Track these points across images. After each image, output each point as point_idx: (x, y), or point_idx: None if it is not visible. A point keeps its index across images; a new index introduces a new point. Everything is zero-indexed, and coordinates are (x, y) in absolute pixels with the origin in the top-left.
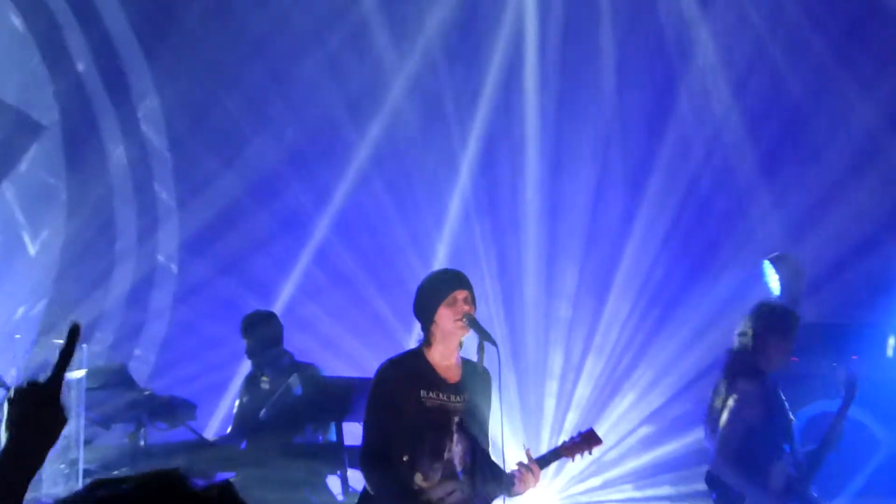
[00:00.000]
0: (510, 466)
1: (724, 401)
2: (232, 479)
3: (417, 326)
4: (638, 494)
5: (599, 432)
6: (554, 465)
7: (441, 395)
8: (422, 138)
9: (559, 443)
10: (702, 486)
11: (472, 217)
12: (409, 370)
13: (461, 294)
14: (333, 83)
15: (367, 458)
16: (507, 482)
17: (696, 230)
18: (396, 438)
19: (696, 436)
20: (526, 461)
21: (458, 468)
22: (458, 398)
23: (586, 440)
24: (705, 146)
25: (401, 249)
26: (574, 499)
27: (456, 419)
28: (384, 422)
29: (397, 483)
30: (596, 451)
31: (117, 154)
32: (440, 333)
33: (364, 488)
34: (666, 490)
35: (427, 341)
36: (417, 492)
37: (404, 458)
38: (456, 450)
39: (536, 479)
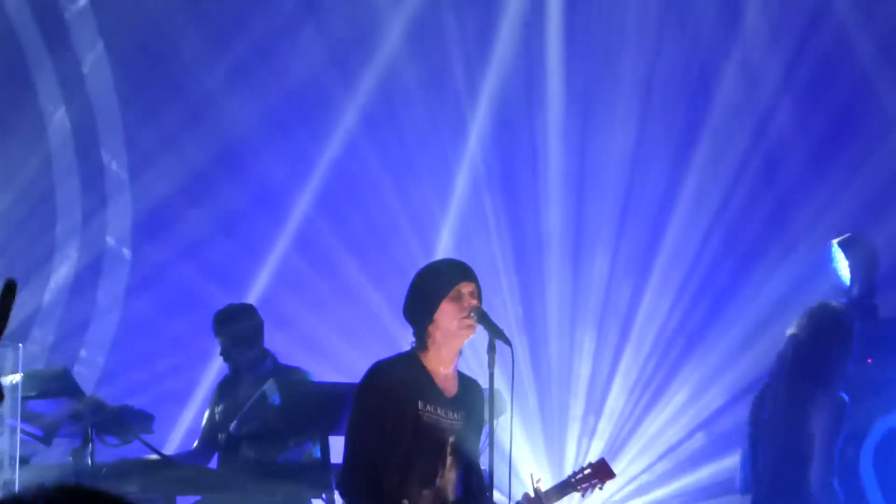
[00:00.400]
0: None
1: (789, 409)
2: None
3: (410, 343)
4: None
5: (631, 452)
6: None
7: (438, 411)
8: (422, 96)
9: (566, 475)
10: None
11: (482, 192)
12: (405, 376)
13: (467, 287)
14: (314, 28)
15: (351, 481)
16: None
17: (748, 214)
18: (387, 456)
19: (723, 464)
20: (532, 494)
21: (451, 499)
22: (455, 416)
23: (597, 472)
24: (757, 116)
25: (397, 231)
26: None
27: (451, 440)
28: (373, 438)
29: None
30: (608, 485)
31: (57, 117)
32: (440, 335)
33: None
34: None
35: (422, 345)
36: None
37: (394, 481)
38: (449, 476)
39: None
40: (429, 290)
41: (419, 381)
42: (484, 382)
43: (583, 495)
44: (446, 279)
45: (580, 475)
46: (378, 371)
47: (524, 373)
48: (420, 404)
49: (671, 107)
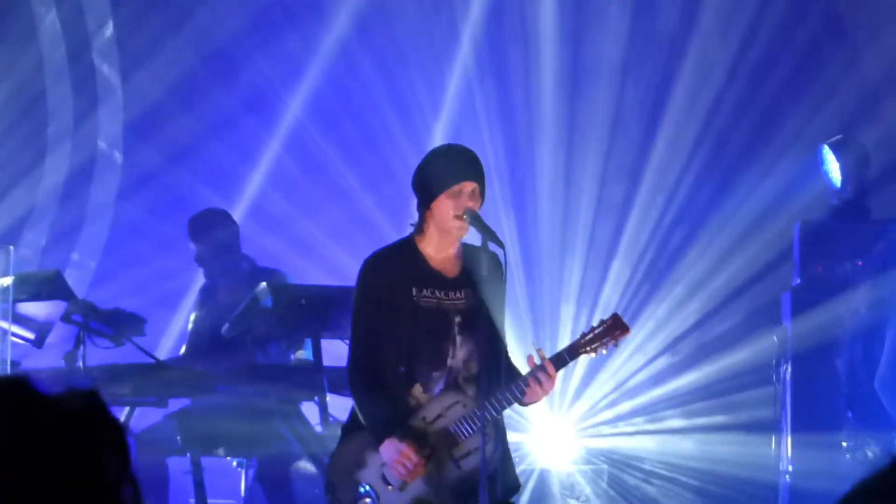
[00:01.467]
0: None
1: None
2: (187, 408)
3: (409, 225)
4: (652, 427)
5: (622, 355)
6: (570, 392)
7: (438, 293)
8: None
9: (578, 336)
10: (721, 418)
11: (475, 95)
12: (399, 264)
13: (469, 186)
14: None
15: (355, 371)
16: (515, 390)
17: (739, 119)
18: (388, 346)
19: (712, 367)
20: (538, 362)
21: (463, 376)
22: (458, 294)
23: (610, 329)
24: (745, 24)
25: (389, 134)
26: (592, 430)
27: (458, 319)
28: (373, 327)
29: (390, 401)
30: (623, 340)
31: (48, 19)
32: (435, 225)
33: (352, 410)
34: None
35: (419, 229)
36: (413, 409)
37: (400, 370)
38: (459, 355)
39: (552, 383)
40: (431, 178)
41: (414, 268)
42: None
43: (595, 355)
44: (450, 173)
45: (590, 335)
46: (371, 263)
47: (516, 275)
48: (415, 290)
49: (662, 14)
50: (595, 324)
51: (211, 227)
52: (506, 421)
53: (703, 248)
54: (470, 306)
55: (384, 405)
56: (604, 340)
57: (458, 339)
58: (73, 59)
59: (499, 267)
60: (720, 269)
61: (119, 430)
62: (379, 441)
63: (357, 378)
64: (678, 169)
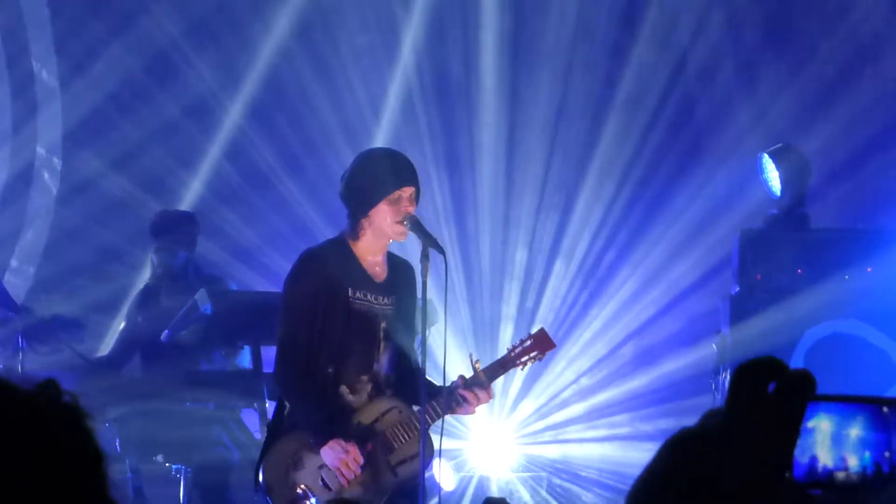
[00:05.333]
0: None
1: None
2: (125, 414)
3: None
4: (592, 434)
5: (564, 360)
6: (510, 400)
7: (369, 297)
8: (354, 3)
9: (507, 349)
10: (663, 424)
11: (416, 101)
12: (335, 264)
13: (407, 191)
14: None
15: (287, 368)
16: (451, 400)
17: (680, 128)
18: (319, 345)
19: (651, 375)
20: (472, 374)
21: (384, 381)
22: (385, 300)
23: (537, 343)
24: (691, 24)
25: (330, 141)
26: (532, 437)
27: (383, 325)
28: (306, 324)
29: (325, 401)
30: (548, 355)
31: None
32: (372, 230)
33: (277, 407)
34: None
35: (354, 234)
36: (346, 410)
37: (328, 371)
38: (383, 360)
39: (488, 394)
40: (369, 186)
41: (349, 269)
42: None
43: (522, 368)
44: (389, 180)
45: (519, 349)
46: (307, 260)
47: (456, 282)
48: (350, 291)
49: (604, 17)
50: (524, 337)
51: (177, 224)
52: (445, 428)
53: (643, 257)
54: (394, 313)
55: (321, 405)
56: (531, 354)
57: (382, 344)
58: (11, 64)
59: (413, 275)
60: (660, 278)
61: (85, 419)
62: (319, 442)
63: (289, 375)
64: (617, 177)
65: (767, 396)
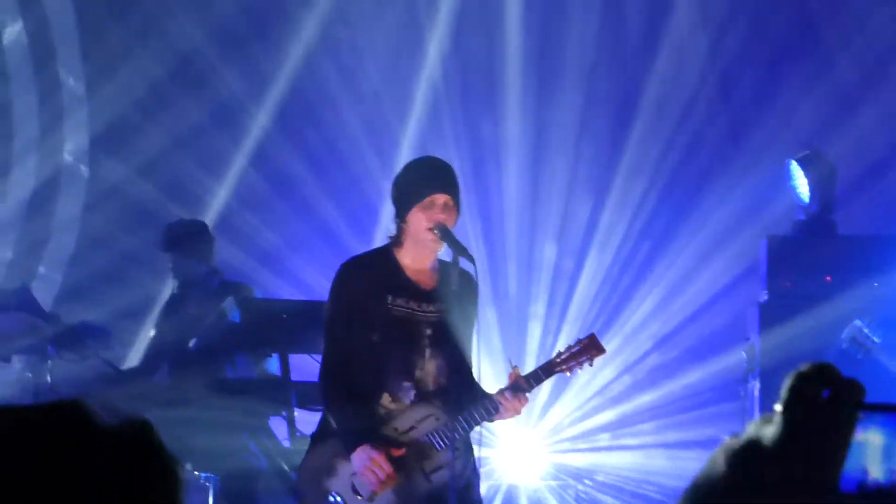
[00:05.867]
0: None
1: None
2: (153, 420)
3: (375, 238)
4: (621, 442)
5: (590, 371)
6: (538, 408)
7: (411, 303)
8: (378, 8)
9: (554, 354)
10: (692, 432)
11: (441, 106)
12: (375, 271)
13: (441, 198)
14: None
15: (328, 376)
16: (489, 406)
17: (706, 133)
18: (360, 352)
19: (679, 383)
20: (511, 380)
21: (431, 388)
22: (431, 308)
23: (586, 349)
24: (712, 34)
25: (355, 146)
26: (561, 446)
27: (428, 332)
28: (346, 332)
29: (362, 409)
30: (598, 361)
31: (13, 30)
32: (410, 237)
33: (321, 418)
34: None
35: (396, 240)
36: (384, 417)
37: (370, 378)
38: (428, 368)
39: (525, 401)
40: (405, 191)
41: (389, 276)
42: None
43: (570, 374)
44: (422, 186)
45: (566, 354)
46: (346, 268)
47: (484, 291)
48: (389, 298)
49: (629, 22)
50: (572, 342)
51: (186, 237)
52: (473, 436)
53: (669, 263)
54: (442, 320)
55: (356, 413)
56: (580, 360)
57: (428, 351)
58: (38, 71)
59: (473, 286)
60: (687, 284)
61: (173, 463)
62: (350, 449)
63: (329, 383)
64: (644, 183)
65: (822, 404)
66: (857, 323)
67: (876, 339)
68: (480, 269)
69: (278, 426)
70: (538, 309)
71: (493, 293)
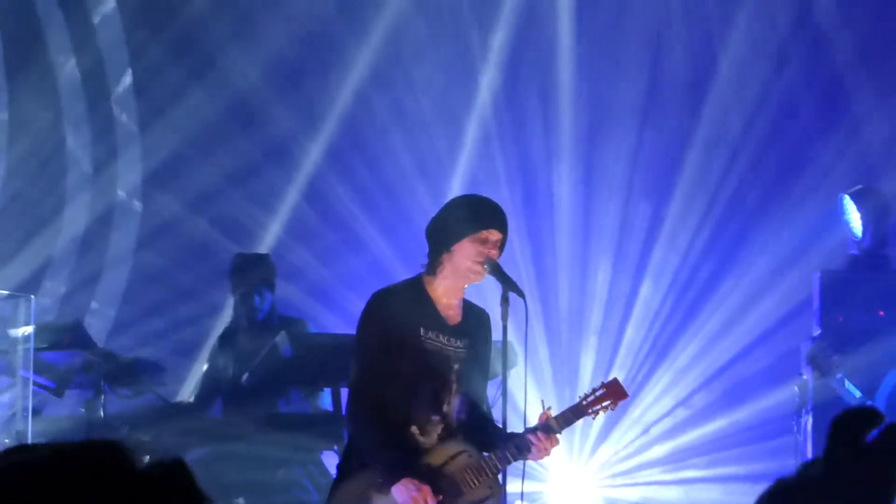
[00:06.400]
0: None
1: None
2: (205, 456)
3: (420, 266)
4: (673, 476)
5: (643, 403)
6: (589, 445)
7: (441, 337)
8: (432, 49)
9: (579, 398)
10: (744, 467)
11: (493, 145)
12: (408, 303)
13: (494, 235)
14: None
15: (359, 405)
16: (520, 445)
17: (760, 166)
18: (391, 384)
19: (731, 417)
20: (543, 420)
21: (455, 425)
22: (458, 343)
23: (610, 393)
24: (767, 66)
25: (407, 184)
26: (613, 480)
27: (455, 367)
28: (378, 362)
29: (397, 440)
30: (621, 405)
31: (68, 68)
32: (451, 268)
33: (348, 447)
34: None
35: (431, 270)
36: (416, 451)
37: (399, 410)
38: (454, 402)
39: (555, 442)
40: (458, 220)
41: (421, 308)
42: (497, 332)
43: (594, 417)
44: (479, 218)
45: (591, 397)
46: (379, 298)
47: (535, 325)
48: (422, 330)
49: (682, 56)
50: (596, 386)
51: (255, 266)
52: (525, 469)
53: (722, 298)
54: (467, 357)
55: (391, 443)
56: (603, 404)
57: (454, 386)
58: (92, 109)
59: (488, 326)
60: (740, 319)
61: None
62: (391, 481)
63: (360, 413)
64: (697, 217)
65: (866, 447)
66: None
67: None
68: (532, 307)
69: (330, 460)
70: (590, 339)
71: (546, 326)
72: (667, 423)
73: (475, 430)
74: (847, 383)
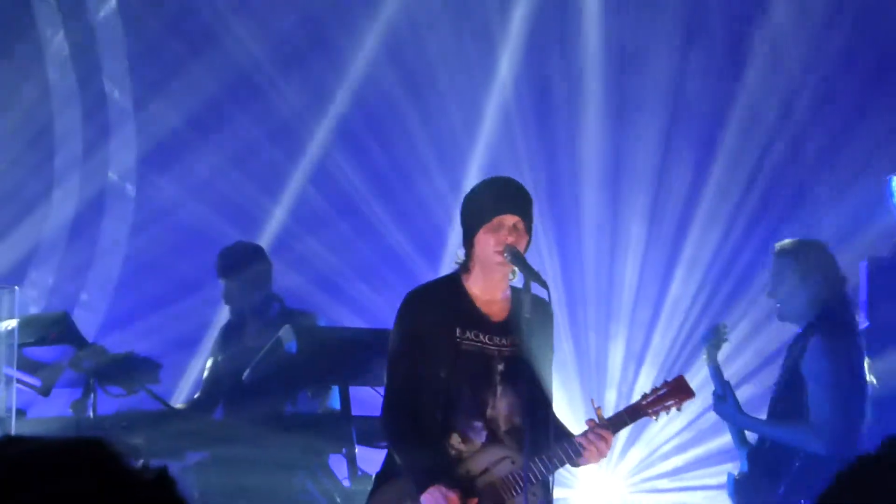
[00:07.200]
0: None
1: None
2: (205, 460)
3: (443, 263)
4: (709, 482)
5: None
6: (619, 446)
7: (481, 337)
8: (449, 20)
9: (639, 397)
10: None
11: (514, 124)
12: (443, 302)
13: (510, 220)
14: None
15: (392, 414)
16: (569, 450)
17: (798, 152)
18: (426, 389)
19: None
20: (595, 422)
21: (503, 429)
22: (503, 341)
23: (674, 392)
24: (806, 48)
25: (422, 166)
26: (645, 485)
27: (500, 367)
28: (411, 367)
29: (431, 448)
30: (686, 405)
31: (56, 42)
32: (479, 263)
33: (386, 457)
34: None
35: (465, 266)
36: (455, 459)
37: (437, 417)
38: (500, 406)
39: (608, 446)
40: (470, 214)
41: (458, 307)
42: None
43: (656, 419)
44: (488, 206)
45: (653, 397)
46: (410, 298)
47: (559, 317)
48: (458, 331)
49: (717, 38)
50: (658, 385)
51: (243, 263)
52: (556, 475)
53: (762, 289)
54: (515, 354)
55: (425, 452)
56: (666, 404)
57: (500, 388)
58: (82, 85)
59: (548, 315)
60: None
61: None
62: (421, 489)
63: (394, 419)
64: (734, 204)
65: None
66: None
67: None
68: (555, 298)
69: (338, 464)
70: (618, 340)
71: (570, 322)
72: (700, 426)
73: (534, 433)
74: None
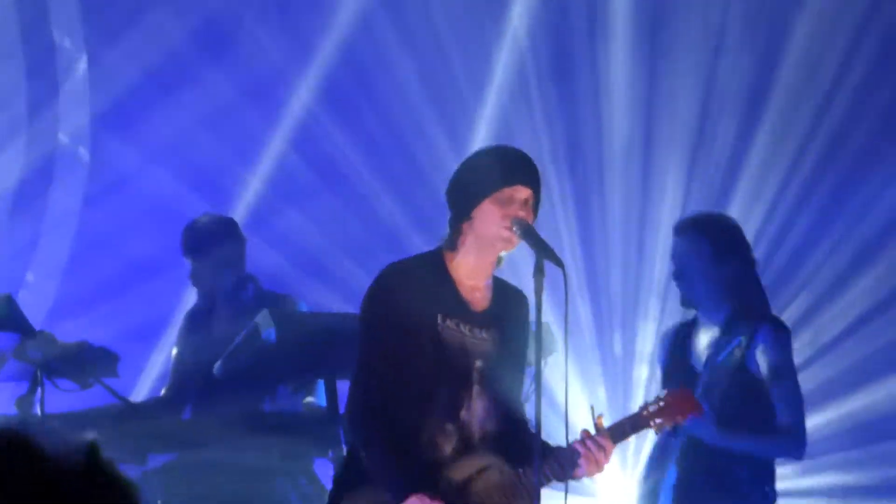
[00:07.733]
0: (573, 437)
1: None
2: (170, 464)
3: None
4: None
5: None
6: (644, 453)
7: (462, 327)
8: None
9: (640, 407)
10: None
11: (529, 83)
12: (424, 284)
13: (522, 192)
14: None
15: (365, 410)
16: (563, 461)
17: (839, 143)
18: (402, 384)
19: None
20: (593, 432)
21: (477, 437)
22: (483, 334)
23: (678, 403)
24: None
25: (422, 130)
26: None
27: (478, 364)
28: (382, 358)
29: (409, 452)
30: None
31: None
32: (473, 239)
33: (347, 459)
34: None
35: (451, 243)
36: (434, 464)
37: (408, 416)
38: (475, 408)
39: (608, 456)
40: (475, 180)
41: (439, 290)
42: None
43: (657, 432)
44: (500, 175)
45: (655, 407)
46: (387, 277)
47: (579, 301)
48: (440, 318)
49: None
50: (661, 394)
51: (212, 239)
52: (569, 482)
53: (809, 276)
54: (494, 351)
55: (403, 457)
56: (667, 416)
57: (476, 388)
58: (26, 34)
59: (524, 311)
60: (828, 305)
61: (128, 492)
62: (399, 497)
63: (362, 417)
64: (777, 184)
65: None
66: None
67: None
68: (575, 279)
69: (324, 470)
70: (647, 339)
71: (592, 304)
72: None
73: (509, 442)
74: None
